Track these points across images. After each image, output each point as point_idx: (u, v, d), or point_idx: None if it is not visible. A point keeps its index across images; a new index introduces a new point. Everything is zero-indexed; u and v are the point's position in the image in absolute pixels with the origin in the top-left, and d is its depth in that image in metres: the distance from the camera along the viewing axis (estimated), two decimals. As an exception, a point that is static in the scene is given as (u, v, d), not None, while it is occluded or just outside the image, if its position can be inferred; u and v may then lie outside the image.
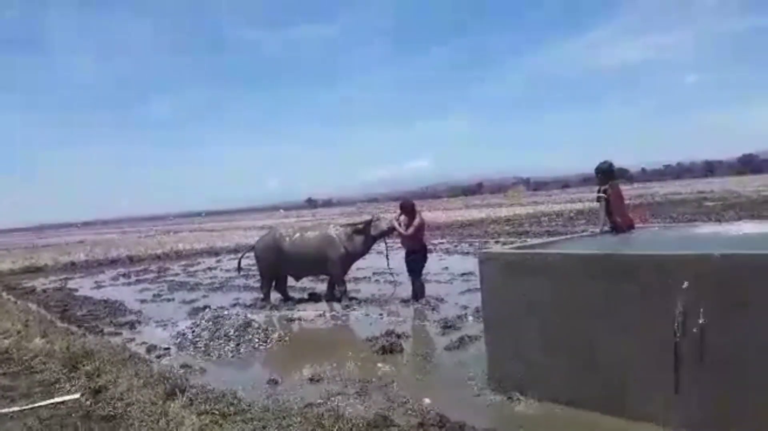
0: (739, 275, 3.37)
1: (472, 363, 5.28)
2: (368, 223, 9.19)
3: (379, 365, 5.64)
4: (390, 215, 9.54)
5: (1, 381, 5.95)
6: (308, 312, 8.70)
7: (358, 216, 21.78)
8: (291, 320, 8.33)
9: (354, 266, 9.86)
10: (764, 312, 3.29)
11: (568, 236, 6.98)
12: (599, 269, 4.03)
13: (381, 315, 8.05)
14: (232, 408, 4.38)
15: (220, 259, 19.01)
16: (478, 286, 4.96)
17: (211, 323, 7.26)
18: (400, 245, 9.57)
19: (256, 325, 7.22)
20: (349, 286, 9.71)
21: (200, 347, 6.83)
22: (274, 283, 9.71)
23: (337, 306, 8.91)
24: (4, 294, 13.64)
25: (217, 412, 4.31)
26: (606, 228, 6.17)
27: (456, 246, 16.97)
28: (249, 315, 7.78)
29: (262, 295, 9.69)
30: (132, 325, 8.73)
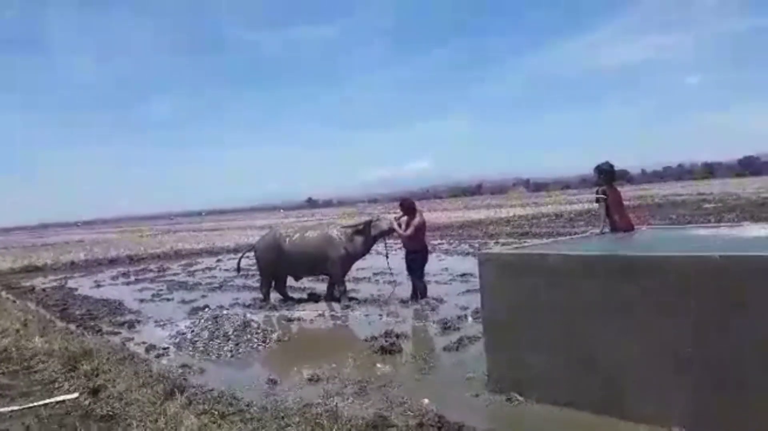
0: (740, 276, 3.37)
1: (472, 363, 5.28)
2: (368, 224, 9.19)
3: (378, 365, 5.63)
4: (390, 215, 9.53)
5: (0, 380, 5.95)
6: (308, 312, 8.70)
7: (359, 216, 21.80)
8: (290, 320, 8.33)
9: (354, 266, 9.85)
10: (764, 313, 3.29)
11: (568, 237, 6.97)
12: (599, 270, 4.03)
13: (380, 315, 8.05)
14: (230, 408, 4.39)
15: (219, 259, 19.01)
16: (478, 287, 4.95)
17: (210, 323, 7.26)
18: (401, 245, 9.56)
19: (256, 325, 7.22)
20: (349, 286, 9.70)
21: (199, 347, 6.83)
22: (273, 283, 9.71)
23: (336, 306, 8.90)
24: (3, 293, 13.64)
25: (215, 412, 4.31)
26: (606, 229, 6.17)
27: (456, 246, 16.97)
28: (248, 315, 7.78)
29: (261, 295, 9.69)
30: (131, 325, 8.73)
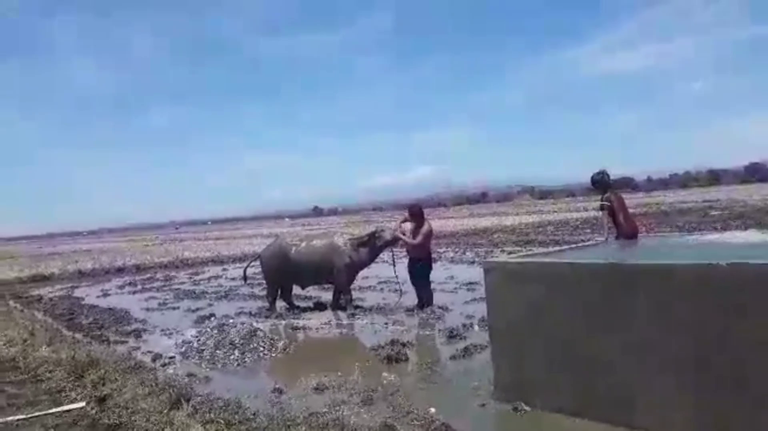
0: (746, 285, 3.36)
1: (478, 372, 5.26)
2: (372, 235, 9.19)
3: (384, 374, 5.62)
4: (393, 223, 9.53)
5: (8, 389, 5.98)
6: (313, 320, 8.70)
7: (364, 224, 21.76)
8: (296, 329, 8.33)
9: (359, 275, 9.86)
10: (771, 321, 3.27)
11: (574, 245, 6.96)
12: (605, 278, 4.02)
13: (386, 324, 8.04)
14: (236, 417, 4.38)
15: (225, 268, 19.05)
16: (484, 295, 4.95)
17: (216, 332, 7.27)
18: (405, 253, 9.55)
19: (262, 334, 7.22)
20: (355, 295, 9.71)
21: (205, 356, 6.83)
22: (279, 292, 9.72)
23: (342, 314, 8.90)
24: (11, 302, 13.71)
25: (222, 421, 4.30)
26: (611, 236, 6.16)
27: (461, 254, 16.95)
28: (254, 324, 7.79)
29: (267, 304, 9.70)
30: (137, 334, 8.75)
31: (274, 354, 6.84)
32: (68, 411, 5.07)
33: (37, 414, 5.05)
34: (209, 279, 16.09)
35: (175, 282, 15.83)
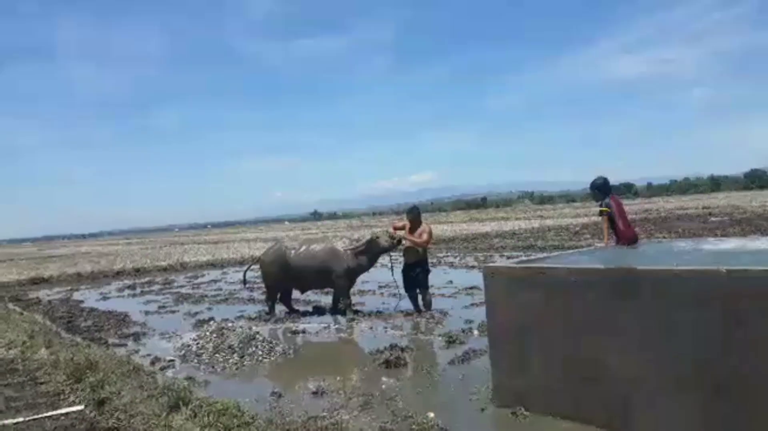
0: (746, 291, 3.36)
1: (477, 377, 5.26)
2: (369, 242, 9.17)
3: (383, 378, 5.62)
4: (389, 229, 9.50)
5: (6, 391, 5.96)
6: (313, 325, 8.70)
7: (363, 230, 21.75)
8: (295, 333, 8.33)
9: (358, 279, 9.85)
10: (770, 328, 3.27)
11: (574, 250, 6.97)
12: (604, 284, 4.03)
13: (385, 328, 8.04)
14: (235, 421, 4.37)
15: (225, 271, 19.04)
16: (483, 300, 4.95)
17: (215, 335, 7.26)
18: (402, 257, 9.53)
19: (261, 338, 7.21)
20: (354, 299, 9.70)
21: (204, 359, 6.83)
22: (278, 296, 9.72)
23: (341, 319, 8.89)
24: (10, 305, 13.69)
25: (220, 425, 4.29)
26: (611, 242, 6.17)
27: (461, 259, 16.95)
28: (253, 328, 7.78)
29: (266, 308, 9.70)
30: (136, 337, 8.74)
31: (273, 358, 6.83)
32: (67, 414, 5.06)
33: (35, 416, 5.04)
34: (209, 282, 16.07)
35: (175, 286, 15.81)
